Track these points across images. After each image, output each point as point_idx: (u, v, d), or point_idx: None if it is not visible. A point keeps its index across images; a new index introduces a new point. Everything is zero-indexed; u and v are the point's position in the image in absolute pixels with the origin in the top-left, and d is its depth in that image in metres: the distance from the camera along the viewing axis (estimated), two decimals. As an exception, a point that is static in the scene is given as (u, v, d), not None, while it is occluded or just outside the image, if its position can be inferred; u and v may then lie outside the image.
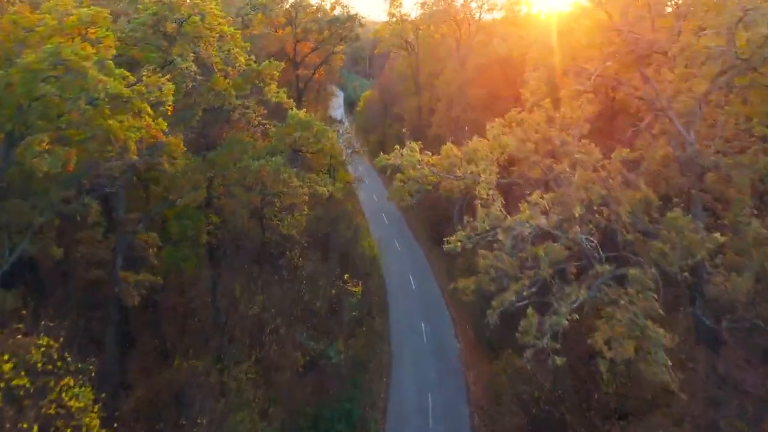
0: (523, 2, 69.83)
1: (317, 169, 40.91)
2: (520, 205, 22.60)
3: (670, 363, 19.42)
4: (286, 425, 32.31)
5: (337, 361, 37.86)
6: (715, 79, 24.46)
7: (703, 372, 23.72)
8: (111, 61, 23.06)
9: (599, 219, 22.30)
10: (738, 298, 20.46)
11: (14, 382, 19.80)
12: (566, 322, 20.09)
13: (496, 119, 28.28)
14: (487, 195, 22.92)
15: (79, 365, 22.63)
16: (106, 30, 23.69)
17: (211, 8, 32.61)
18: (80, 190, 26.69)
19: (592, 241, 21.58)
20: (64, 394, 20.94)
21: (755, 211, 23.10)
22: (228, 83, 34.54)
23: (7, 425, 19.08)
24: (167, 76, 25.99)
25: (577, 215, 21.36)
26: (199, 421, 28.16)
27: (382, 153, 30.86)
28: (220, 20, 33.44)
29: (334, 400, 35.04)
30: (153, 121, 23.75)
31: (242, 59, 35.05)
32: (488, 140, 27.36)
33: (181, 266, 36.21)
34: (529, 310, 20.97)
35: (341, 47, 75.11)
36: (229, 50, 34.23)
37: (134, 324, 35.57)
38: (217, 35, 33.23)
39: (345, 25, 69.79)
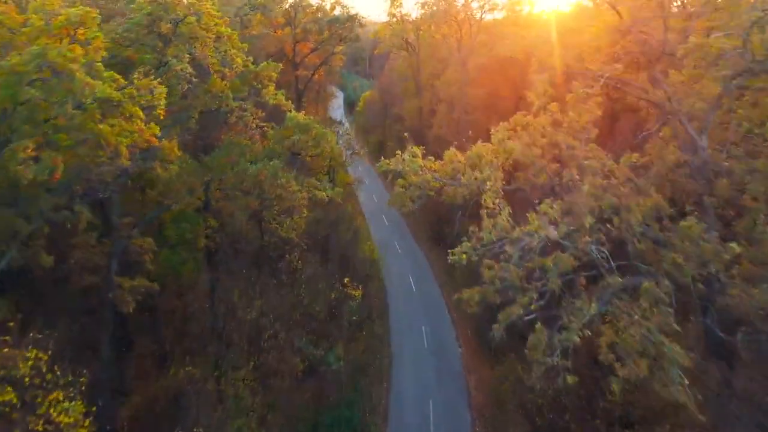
0: (524, 2, 69.29)
1: (316, 172, 40.24)
2: (527, 214, 21.72)
3: (687, 382, 18.58)
4: (285, 432, 31.66)
5: (337, 367, 37.24)
6: (728, 82, 23.66)
7: (715, 385, 22.97)
8: (100, 64, 22.31)
9: (609, 228, 21.44)
10: (755, 311, 19.63)
11: (0, 398, 19.12)
12: (578, 339, 19.24)
13: (501, 123, 27.47)
14: (494, 204, 22.06)
15: (70, 378, 21.99)
16: (96, 31, 22.88)
17: (207, 8, 31.97)
18: (72, 195, 25.92)
19: (603, 252, 20.72)
20: (52, 410, 20.30)
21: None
22: (225, 85, 33.85)
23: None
24: (159, 79, 25.22)
25: (587, 225, 20.50)
26: (196, 430, 27.81)
27: (382, 154, 30.15)
28: (217, 21, 32.78)
29: (333, 405, 34.51)
30: (145, 125, 22.97)
31: (239, 60, 34.32)
32: (492, 144, 26.57)
33: (178, 270, 35.62)
34: (538, 326, 20.14)
35: (341, 48, 74.80)
36: (226, 51, 33.54)
37: (132, 328, 34.97)
38: (214, 36, 32.52)
39: (345, 26, 69.36)
